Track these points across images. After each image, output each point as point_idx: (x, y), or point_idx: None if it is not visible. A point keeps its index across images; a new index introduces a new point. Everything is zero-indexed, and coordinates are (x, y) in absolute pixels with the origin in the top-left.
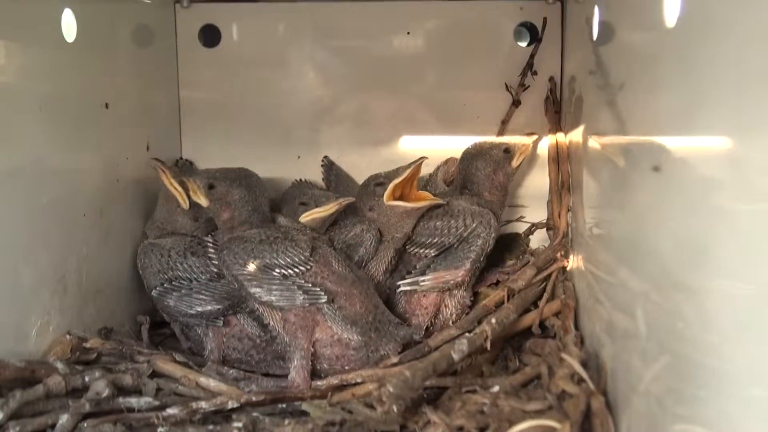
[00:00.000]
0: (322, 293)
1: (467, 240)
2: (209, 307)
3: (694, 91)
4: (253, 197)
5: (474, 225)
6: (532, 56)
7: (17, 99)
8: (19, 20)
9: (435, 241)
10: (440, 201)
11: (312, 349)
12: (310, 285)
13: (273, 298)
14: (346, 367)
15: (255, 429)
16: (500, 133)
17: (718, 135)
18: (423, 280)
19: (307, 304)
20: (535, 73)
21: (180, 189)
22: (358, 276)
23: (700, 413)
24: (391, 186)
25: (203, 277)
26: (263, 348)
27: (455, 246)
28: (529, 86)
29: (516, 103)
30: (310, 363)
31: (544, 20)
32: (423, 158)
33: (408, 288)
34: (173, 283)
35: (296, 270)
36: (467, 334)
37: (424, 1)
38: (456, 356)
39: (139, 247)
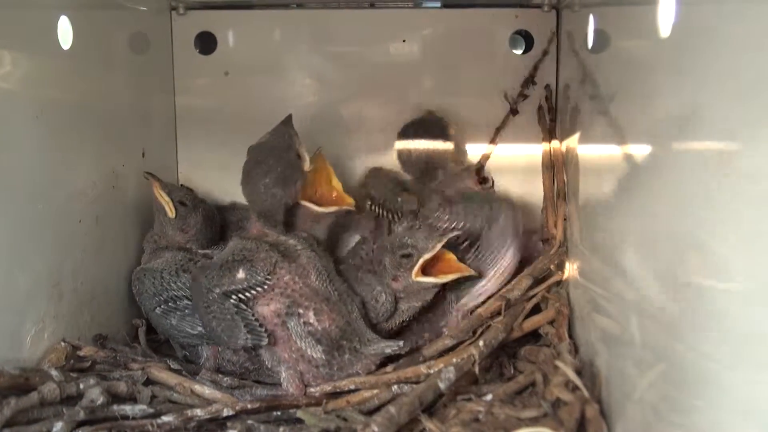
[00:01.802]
0: (265, 335)
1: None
2: None
3: (689, 99)
4: (260, 184)
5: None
6: (535, 68)
7: (13, 106)
8: (15, 27)
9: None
10: (472, 272)
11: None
12: (258, 324)
13: (221, 334)
14: (313, 384)
15: None
16: (494, 140)
17: (712, 143)
18: (482, 285)
19: (249, 345)
20: (534, 83)
21: (167, 198)
22: (337, 289)
23: (695, 421)
24: (420, 262)
25: None
26: (258, 359)
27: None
28: (528, 96)
29: (513, 112)
30: (298, 371)
31: (553, 33)
32: (455, 232)
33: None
34: (170, 304)
35: (254, 292)
36: (454, 360)
37: (420, 9)
38: (443, 385)
39: (132, 274)
